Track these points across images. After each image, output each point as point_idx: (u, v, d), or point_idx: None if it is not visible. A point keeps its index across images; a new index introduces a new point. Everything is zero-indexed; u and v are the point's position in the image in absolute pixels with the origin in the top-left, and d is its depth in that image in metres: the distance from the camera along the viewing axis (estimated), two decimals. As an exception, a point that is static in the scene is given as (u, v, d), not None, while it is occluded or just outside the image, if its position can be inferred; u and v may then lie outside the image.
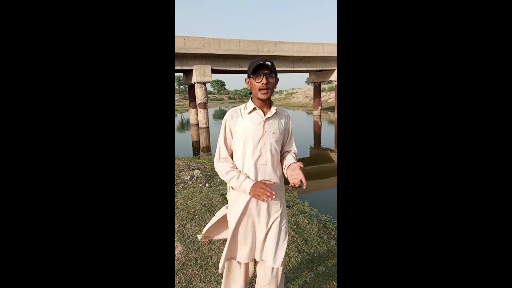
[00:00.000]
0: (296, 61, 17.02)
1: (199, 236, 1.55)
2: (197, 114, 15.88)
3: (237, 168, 1.32)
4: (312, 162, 8.25)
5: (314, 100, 21.75)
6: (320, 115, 21.00)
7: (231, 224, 1.36)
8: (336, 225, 3.58)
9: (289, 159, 1.37)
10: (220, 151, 1.34)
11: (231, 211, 1.37)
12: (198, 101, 15.20)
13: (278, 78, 1.34)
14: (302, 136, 12.83)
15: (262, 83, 1.25)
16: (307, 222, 3.18)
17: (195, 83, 14.79)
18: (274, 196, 1.17)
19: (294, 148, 1.47)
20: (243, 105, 1.36)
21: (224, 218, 1.46)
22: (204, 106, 15.23)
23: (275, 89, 1.36)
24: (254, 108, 1.31)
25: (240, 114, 1.33)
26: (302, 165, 1.27)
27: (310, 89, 37.99)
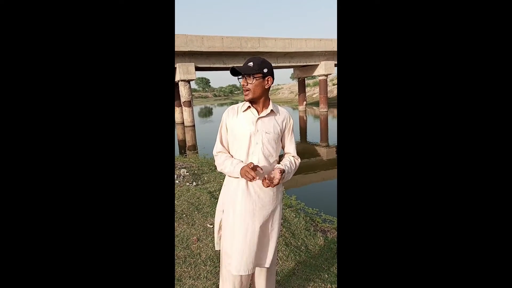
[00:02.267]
0: (280, 57, 17.05)
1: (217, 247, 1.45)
2: (182, 113, 15.69)
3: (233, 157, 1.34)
4: (299, 156, 8.32)
5: (299, 95, 21.89)
6: (306, 110, 21.18)
7: (230, 228, 1.34)
8: (322, 217, 3.66)
9: (285, 162, 1.36)
10: (216, 146, 1.37)
11: (230, 212, 1.34)
12: (182, 99, 15.01)
13: (270, 77, 1.31)
14: (288, 132, 12.86)
15: (242, 85, 1.30)
16: (294, 216, 3.23)
17: (178, 81, 14.59)
18: (256, 179, 1.20)
19: (294, 151, 1.44)
20: (241, 103, 1.37)
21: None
22: (189, 104, 15.06)
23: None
24: (249, 107, 1.32)
25: (236, 111, 1.35)
26: (281, 172, 1.26)
27: (294, 85, 38.15)
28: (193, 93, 15.85)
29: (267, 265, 1.39)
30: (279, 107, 1.41)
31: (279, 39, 15.82)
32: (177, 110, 17.02)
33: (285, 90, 44.28)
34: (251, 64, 1.27)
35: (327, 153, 8.51)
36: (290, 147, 1.44)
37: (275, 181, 1.23)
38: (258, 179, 1.24)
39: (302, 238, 2.68)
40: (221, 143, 1.36)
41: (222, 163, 1.32)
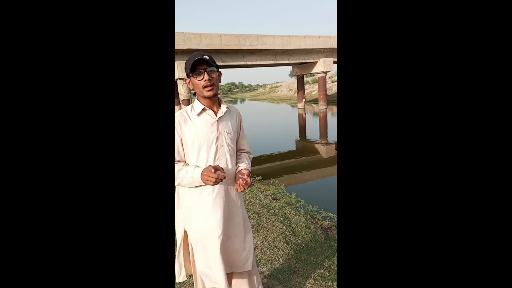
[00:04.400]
0: (278, 54, 17.01)
1: (182, 278, 1.34)
2: (181, 111, 15.67)
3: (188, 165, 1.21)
4: (298, 154, 8.34)
5: (298, 93, 21.87)
6: (305, 108, 21.18)
7: (201, 245, 1.25)
8: (322, 215, 3.65)
9: (243, 162, 1.33)
10: None
11: (195, 227, 1.25)
12: (181, 97, 14.99)
13: (221, 72, 1.24)
14: (287, 129, 12.91)
15: (205, 80, 1.16)
16: (294, 213, 3.23)
17: (177, 79, 14.55)
18: (225, 177, 1.12)
19: (247, 146, 1.41)
20: (189, 107, 1.25)
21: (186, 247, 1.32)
22: (188, 102, 15.03)
23: (220, 84, 1.26)
24: (204, 109, 1.21)
25: (188, 117, 1.21)
26: (249, 173, 1.24)
27: (293, 82, 38.17)
28: (191, 91, 15.78)
29: (248, 267, 1.33)
30: (229, 105, 1.35)
31: (277, 36, 15.78)
32: (175, 108, 17.00)
33: (284, 88, 44.25)
34: (207, 57, 1.15)
35: (326, 150, 8.51)
36: (244, 143, 1.40)
37: (248, 183, 1.19)
38: (225, 178, 1.14)
39: (302, 236, 2.68)
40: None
41: (177, 173, 1.17)
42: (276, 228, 2.78)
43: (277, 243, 2.48)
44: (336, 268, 2.13)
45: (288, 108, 25.02)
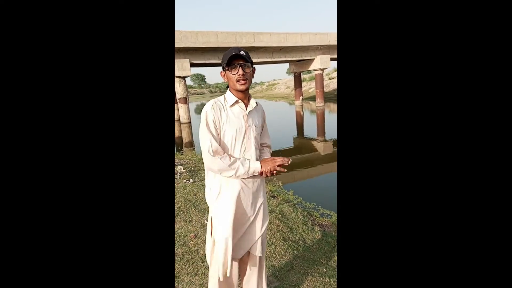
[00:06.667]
0: (275, 52, 16.96)
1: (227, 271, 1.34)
2: (178, 110, 15.62)
3: (234, 157, 1.25)
4: (296, 152, 8.35)
5: (295, 90, 21.85)
6: (302, 105, 21.17)
7: (224, 224, 1.29)
8: (319, 212, 3.67)
9: (265, 154, 1.42)
10: (211, 145, 1.20)
11: (222, 212, 1.30)
12: (178, 96, 14.92)
13: (254, 68, 1.31)
14: (285, 127, 12.91)
15: (239, 74, 1.22)
16: (291, 210, 3.24)
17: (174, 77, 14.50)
18: (289, 161, 1.27)
19: (269, 141, 1.48)
20: (221, 98, 1.30)
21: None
22: (185, 101, 14.98)
23: (253, 80, 1.33)
24: (237, 101, 1.27)
25: (223, 106, 1.26)
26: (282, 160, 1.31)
27: (291, 80, 38.06)
28: (188, 89, 15.69)
29: (260, 253, 1.40)
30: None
31: (274, 33, 15.71)
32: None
33: (281, 86, 44.18)
34: (243, 53, 1.22)
35: (324, 147, 8.53)
36: (267, 138, 1.48)
37: (278, 163, 1.29)
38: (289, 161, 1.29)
39: (299, 233, 2.69)
40: (216, 140, 1.22)
41: (228, 167, 1.20)
42: (273, 225, 2.78)
43: (275, 240, 2.49)
44: (333, 265, 2.14)
45: (286, 106, 25.02)
